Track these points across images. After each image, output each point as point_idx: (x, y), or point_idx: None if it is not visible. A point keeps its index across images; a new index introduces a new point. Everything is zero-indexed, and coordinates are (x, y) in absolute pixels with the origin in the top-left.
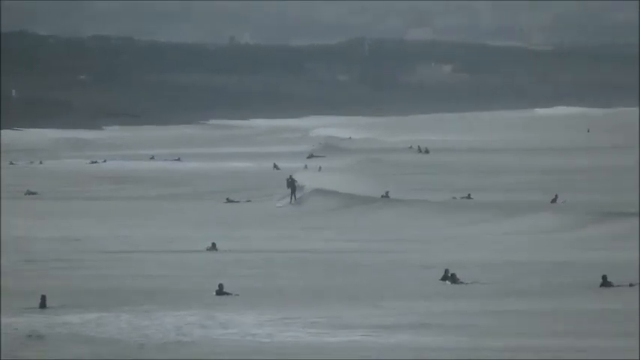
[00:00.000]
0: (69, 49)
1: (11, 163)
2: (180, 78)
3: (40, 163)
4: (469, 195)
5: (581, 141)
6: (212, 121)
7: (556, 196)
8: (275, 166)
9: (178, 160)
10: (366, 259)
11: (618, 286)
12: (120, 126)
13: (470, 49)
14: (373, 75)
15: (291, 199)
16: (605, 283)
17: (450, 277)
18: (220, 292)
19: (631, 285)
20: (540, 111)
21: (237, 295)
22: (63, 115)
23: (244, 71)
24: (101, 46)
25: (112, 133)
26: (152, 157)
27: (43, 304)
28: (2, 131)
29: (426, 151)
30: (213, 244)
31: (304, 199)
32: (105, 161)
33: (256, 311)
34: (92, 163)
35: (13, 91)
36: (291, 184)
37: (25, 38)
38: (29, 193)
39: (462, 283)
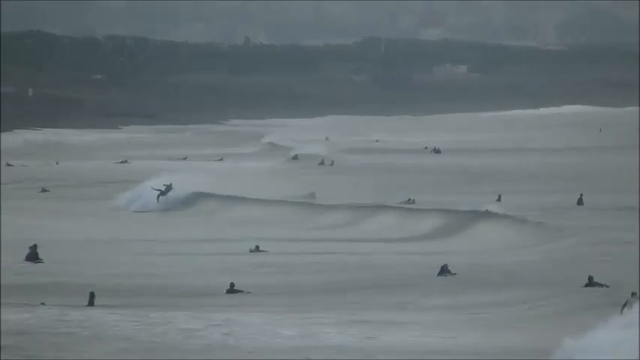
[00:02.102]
0: (84, 49)
1: (10, 164)
2: (195, 78)
3: (57, 163)
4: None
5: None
6: (232, 122)
7: (581, 195)
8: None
9: (221, 160)
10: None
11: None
12: (137, 126)
13: (484, 49)
14: (388, 75)
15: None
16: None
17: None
18: (232, 290)
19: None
20: (554, 110)
21: (249, 292)
22: (79, 114)
23: (259, 71)
24: (116, 46)
25: (132, 133)
26: (185, 158)
27: (91, 302)
28: (19, 131)
29: (438, 151)
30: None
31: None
32: (125, 161)
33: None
34: (122, 162)
35: (30, 90)
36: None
37: (41, 38)
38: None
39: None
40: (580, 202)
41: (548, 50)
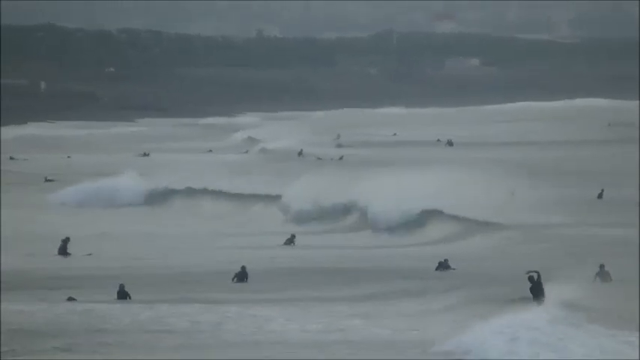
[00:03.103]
0: (97, 42)
1: (13, 158)
2: (209, 71)
3: (69, 157)
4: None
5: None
6: (248, 114)
7: (602, 190)
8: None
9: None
10: None
11: None
12: (152, 119)
13: (497, 42)
14: (402, 68)
15: None
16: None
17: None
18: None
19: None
20: (566, 103)
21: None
22: (92, 107)
23: (273, 65)
24: (129, 39)
25: (147, 126)
26: (210, 150)
27: (122, 295)
28: (32, 124)
29: (450, 144)
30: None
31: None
32: (147, 154)
33: None
34: (144, 155)
35: (43, 83)
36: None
37: (54, 31)
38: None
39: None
40: (600, 196)
41: (561, 43)
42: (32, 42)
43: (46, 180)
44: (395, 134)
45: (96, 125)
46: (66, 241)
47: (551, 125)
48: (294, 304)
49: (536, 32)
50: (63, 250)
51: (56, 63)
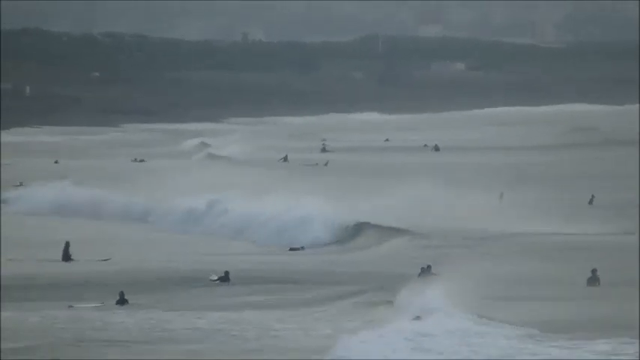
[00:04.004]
0: (82, 47)
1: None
2: (194, 75)
3: (56, 162)
4: None
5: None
6: (231, 119)
7: (592, 196)
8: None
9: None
10: None
11: None
12: (138, 124)
13: (483, 46)
14: (387, 72)
15: None
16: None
17: None
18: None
19: None
20: (549, 108)
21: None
22: (77, 112)
23: (258, 68)
24: (114, 43)
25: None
26: (142, 160)
27: (122, 300)
28: (15, 129)
29: (437, 149)
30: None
31: None
32: (142, 160)
33: None
34: (139, 161)
35: (28, 88)
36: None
37: (38, 35)
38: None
39: None
40: (591, 202)
41: (547, 47)
42: (17, 46)
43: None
44: (387, 140)
45: (82, 131)
46: (67, 245)
47: (535, 129)
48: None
49: (521, 36)
50: (66, 255)
51: (41, 67)
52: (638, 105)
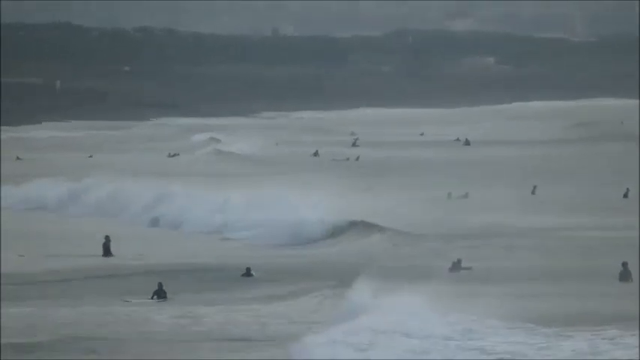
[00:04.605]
0: (113, 41)
1: (19, 158)
2: (224, 70)
3: (90, 156)
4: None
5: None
6: (264, 114)
7: (627, 189)
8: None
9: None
10: None
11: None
12: (170, 117)
13: (513, 40)
14: (417, 66)
15: None
16: None
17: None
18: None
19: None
20: (580, 103)
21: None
22: (107, 106)
23: (288, 63)
24: (145, 37)
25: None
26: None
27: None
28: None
29: (468, 143)
30: None
31: None
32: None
33: None
34: (173, 156)
35: (58, 82)
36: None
37: (70, 30)
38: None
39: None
40: (626, 195)
41: (578, 42)
42: (48, 41)
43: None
44: (422, 134)
45: (112, 125)
46: (108, 239)
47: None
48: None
49: (551, 31)
50: (107, 251)
51: (72, 62)
52: None
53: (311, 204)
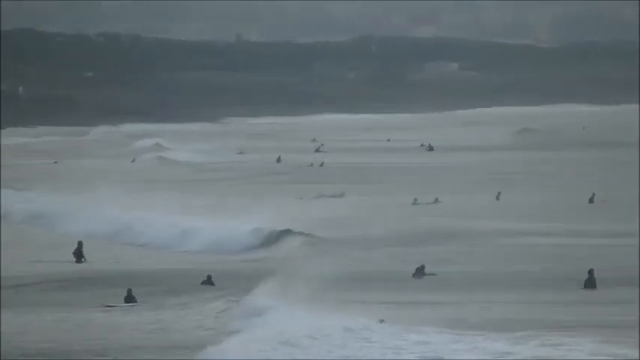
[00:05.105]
0: (76, 47)
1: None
2: (188, 76)
3: (55, 162)
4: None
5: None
6: (227, 119)
7: (593, 194)
8: None
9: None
10: None
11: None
12: (135, 124)
13: (477, 46)
14: (381, 72)
15: None
16: None
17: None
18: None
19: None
20: (544, 109)
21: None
22: (71, 112)
23: (252, 69)
24: (109, 43)
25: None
26: (241, 152)
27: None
28: (10, 129)
29: (431, 149)
30: None
31: None
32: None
33: None
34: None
35: (21, 88)
36: None
37: (33, 36)
38: None
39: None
40: (591, 200)
41: (540, 48)
42: (10, 46)
43: None
44: (389, 140)
45: (75, 131)
46: (80, 245)
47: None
48: None
49: (515, 37)
50: (78, 255)
51: (35, 67)
52: (637, 105)
53: (257, 212)
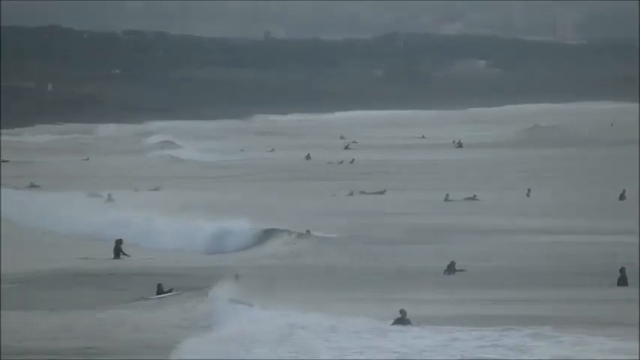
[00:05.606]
0: (103, 44)
1: (5, 161)
2: (215, 73)
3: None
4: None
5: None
6: (256, 117)
7: (624, 191)
8: None
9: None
10: None
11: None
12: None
13: (503, 44)
14: (408, 70)
15: None
16: None
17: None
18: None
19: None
20: (571, 106)
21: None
22: (98, 109)
23: (280, 66)
24: (135, 40)
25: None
26: (272, 150)
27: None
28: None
29: (460, 145)
30: None
31: None
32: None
33: None
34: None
35: (50, 85)
36: None
37: (60, 33)
38: None
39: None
40: (622, 197)
41: (568, 45)
42: (38, 44)
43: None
44: (423, 137)
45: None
46: (119, 242)
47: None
48: None
49: (542, 34)
50: (117, 252)
51: (63, 65)
52: None
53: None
